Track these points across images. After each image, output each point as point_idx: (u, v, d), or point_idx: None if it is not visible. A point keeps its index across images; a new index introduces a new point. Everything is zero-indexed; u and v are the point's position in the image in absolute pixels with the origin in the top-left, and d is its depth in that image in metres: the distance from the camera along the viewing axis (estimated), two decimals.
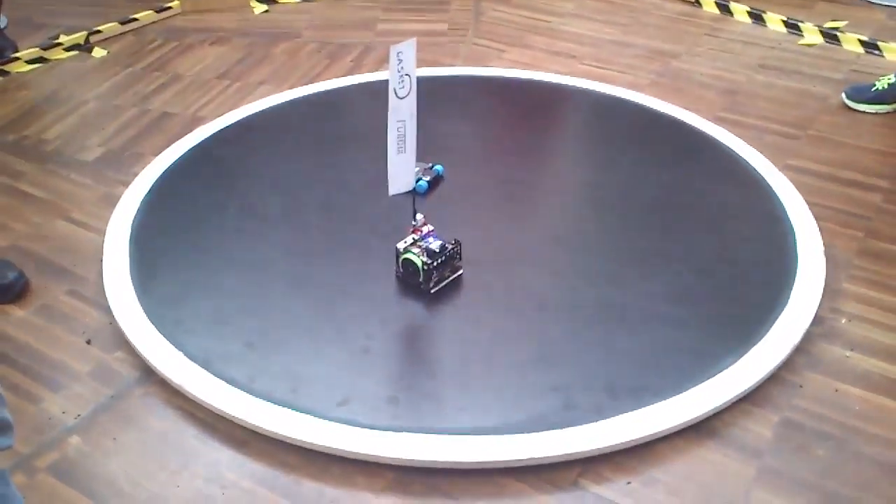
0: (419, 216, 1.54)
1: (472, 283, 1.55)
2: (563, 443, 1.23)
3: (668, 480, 1.22)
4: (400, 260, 1.52)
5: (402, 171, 1.45)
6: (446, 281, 1.54)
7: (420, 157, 1.90)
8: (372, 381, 1.34)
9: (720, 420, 1.31)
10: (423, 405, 1.30)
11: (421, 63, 2.41)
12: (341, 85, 2.28)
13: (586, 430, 1.25)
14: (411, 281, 1.52)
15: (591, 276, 1.55)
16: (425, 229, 1.54)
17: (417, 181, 1.78)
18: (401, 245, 1.51)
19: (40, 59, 2.49)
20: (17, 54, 2.47)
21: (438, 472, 1.22)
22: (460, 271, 1.55)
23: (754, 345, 1.39)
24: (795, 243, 1.62)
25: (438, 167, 1.86)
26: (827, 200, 1.79)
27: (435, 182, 1.84)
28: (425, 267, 1.49)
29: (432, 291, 1.51)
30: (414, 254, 1.49)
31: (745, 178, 1.84)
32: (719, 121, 2.08)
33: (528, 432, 1.25)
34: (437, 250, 1.50)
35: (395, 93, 1.39)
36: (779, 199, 1.76)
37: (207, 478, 1.24)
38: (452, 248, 1.52)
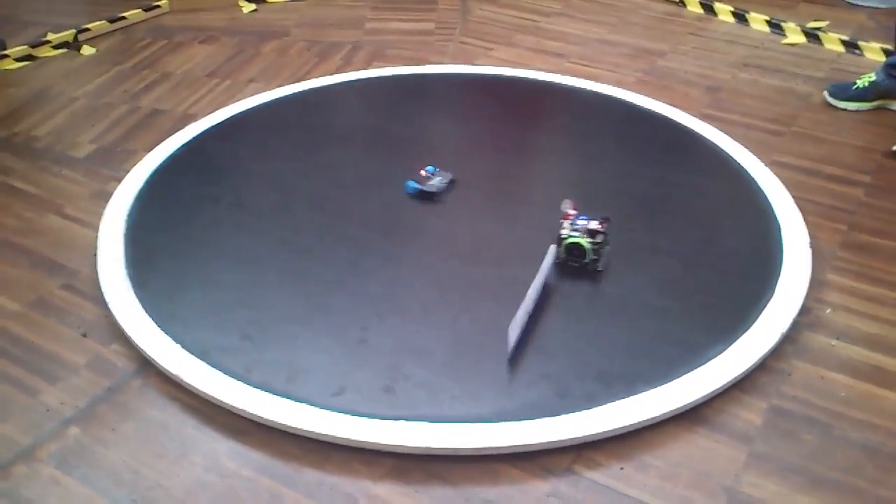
0: (567, 202, 1.59)
1: (464, 277, 1.57)
2: (556, 429, 1.25)
3: (660, 465, 1.24)
4: (564, 246, 1.55)
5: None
6: (604, 257, 1.58)
7: (409, 155, 1.94)
8: (368, 371, 1.36)
9: (710, 407, 1.33)
10: (418, 394, 1.32)
11: (408, 61, 2.44)
12: (331, 83, 2.30)
13: (579, 417, 1.27)
14: (575, 265, 1.56)
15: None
16: (573, 213, 1.59)
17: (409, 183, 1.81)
18: (563, 232, 1.55)
19: (29, 57, 2.50)
20: (6, 52, 2.47)
21: (436, 459, 1.24)
22: (608, 247, 1.60)
23: (743, 333, 1.42)
24: (781, 236, 1.66)
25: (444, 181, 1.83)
26: (811, 195, 1.83)
27: (425, 195, 1.81)
28: (594, 246, 1.54)
29: (600, 270, 1.56)
30: (578, 237, 1.54)
31: (731, 173, 1.88)
32: (705, 117, 2.11)
33: (523, 420, 1.27)
34: (598, 229, 1.56)
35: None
36: (765, 194, 1.79)
37: (207, 467, 1.25)
38: (605, 225, 1.57)
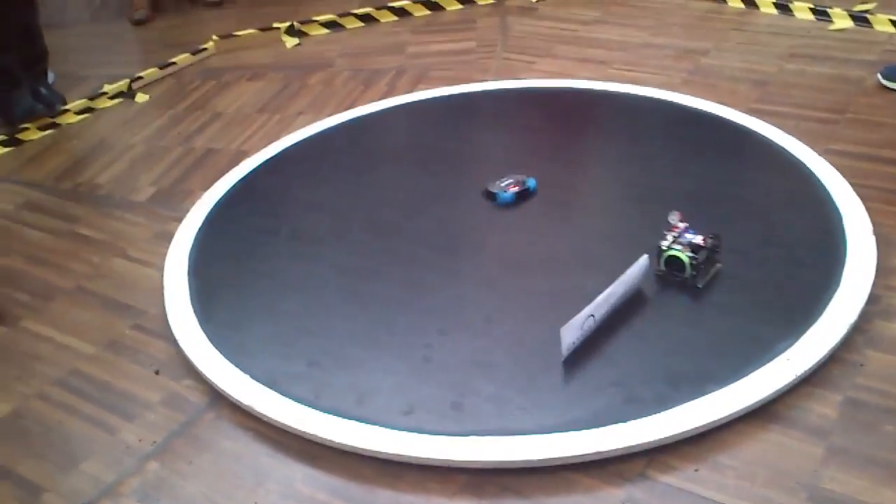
0: (674, 214, 1.56)
1: (525, 288, 1.58)
2: (628, 435, 1.25)
3: (735, 465, 1.22)
4: (663, 258, 1.53)
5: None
6: (710, 275, 1.53)
7: (463, 172, 1.95)
8: (435, 388, 1.37)
9: (782, 403, 1.31)
10: (486, 409, 1.32)
11: (453, 81, 2.46)
12: (378, 109, 2.33)
13: (650, 422, 1.26)
14: (676, 278, 1.53)
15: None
16: (682, 226, 1.55)
17: (503, 194, 1.83)
18: (663, 244, 1.53)
19: (88, 109, 2.58)
20: (66, 106, 2.56)
21: (509, 473, 1.24)
22: (719, 265, 1.55)
23: (811, 326, 1.39)
24: (843, 225, 1.63)
25: (531, 181, 1.85)
26: (871, 181, 1.78)
27: (523, 195, 1.84)
28: (692, 262, 1.50)
29: (700, 286, 1.52)
30: (678, 250, 1.51)
31: (786, 166, 1.85)
32: (754, 112, 2.09)
33: (593, 427, 1.26)
34: (700, 244, 1.51)
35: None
36: (822, 184, 1.76)
37: (283, 494, 1.27)
38: (713, 242, 1.53)
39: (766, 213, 1.70)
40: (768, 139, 1.95)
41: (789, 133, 1.96)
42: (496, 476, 1.25)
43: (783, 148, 1.90)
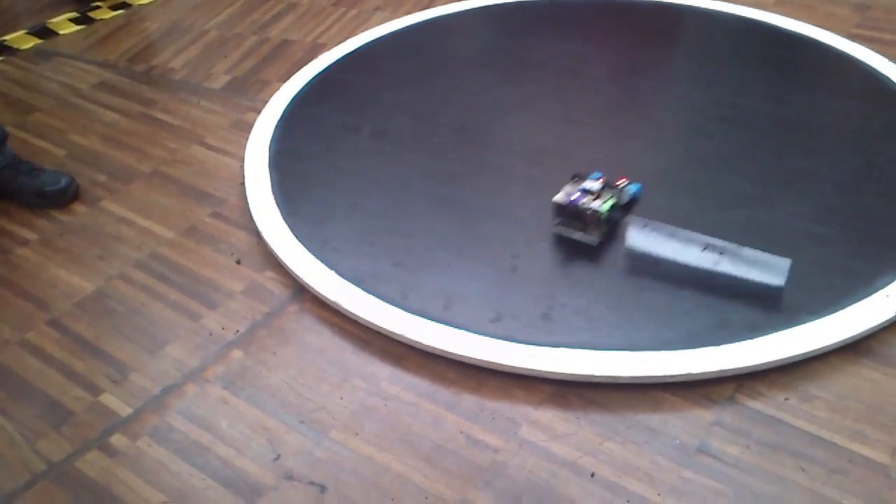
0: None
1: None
2: (718, 359, 1.23)
3: (827, 397, 1.21)
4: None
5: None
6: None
7: (544, 80, 1.88)
8: (522, 298, 1.36)
9: (877, 339, 1.28)
10: (576, 322, 1.31)
11: None
12: (457, 10, 2.26)
13: (742, 347, 1.25)
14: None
15: (735, 196, 1.53)
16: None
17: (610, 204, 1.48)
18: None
19: None
20: None
21: (595, 387, 1.24)
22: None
23: None
24: None
25: (634, 187, 1.55)
26: None
27: (628, 205, 1.54)
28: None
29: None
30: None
31: (888, 96, 1.77)
32: (855, 37, 2.00)
33: (684, 349, 1.25)
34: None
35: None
36: None
37: (369, 391, 1.27)
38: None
39: (865, 145, 1.64)
40: (870, 66, 1.87)
41: (893, 60, 1.87)
42: (582, 389, 1.24)
43: (886, 76, 1.83)
